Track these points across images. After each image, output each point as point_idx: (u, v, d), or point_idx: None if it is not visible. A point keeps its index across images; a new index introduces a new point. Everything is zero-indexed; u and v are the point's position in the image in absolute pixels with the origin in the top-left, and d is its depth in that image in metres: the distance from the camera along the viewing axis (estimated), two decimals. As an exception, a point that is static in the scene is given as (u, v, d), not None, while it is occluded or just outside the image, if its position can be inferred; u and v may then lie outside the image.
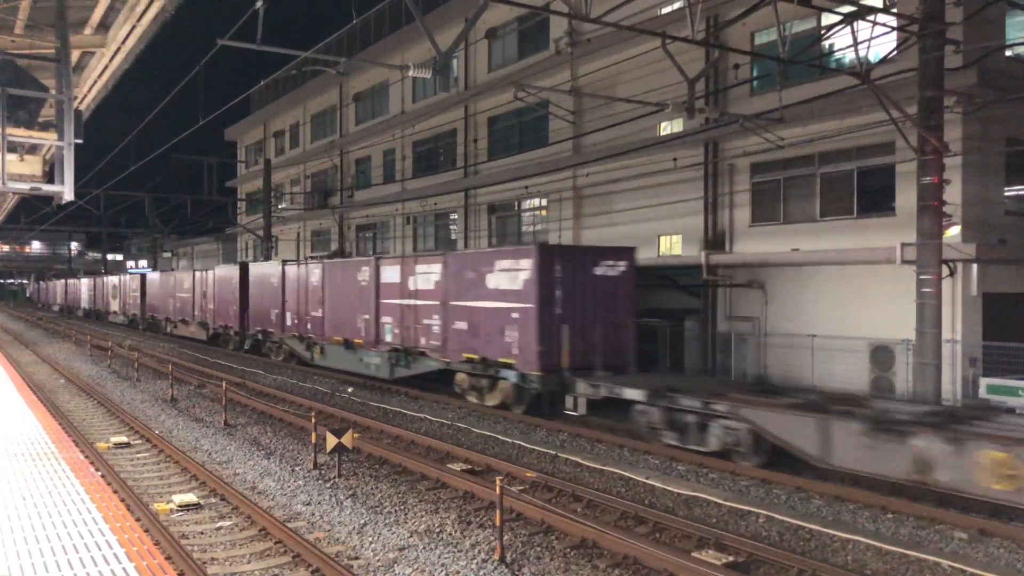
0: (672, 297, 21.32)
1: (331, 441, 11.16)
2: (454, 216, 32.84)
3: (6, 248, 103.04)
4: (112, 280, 52.61)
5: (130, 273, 46.97)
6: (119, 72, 10.89)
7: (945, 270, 14.33)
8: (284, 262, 26.94)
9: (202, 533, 9.19)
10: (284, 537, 8.67)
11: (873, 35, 13.89)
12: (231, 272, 31.58)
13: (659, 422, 13.38)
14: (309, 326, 24.87)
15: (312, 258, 28.85)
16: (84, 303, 61.69)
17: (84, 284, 62.42)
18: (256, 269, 29.55)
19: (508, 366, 16.61)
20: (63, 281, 74.06)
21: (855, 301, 17.65)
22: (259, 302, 28.79)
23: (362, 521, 9.53)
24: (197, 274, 35.81)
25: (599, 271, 16.91)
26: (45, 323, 53.74)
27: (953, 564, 8.07)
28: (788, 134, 17.58)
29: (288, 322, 26.39)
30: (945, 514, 9.54)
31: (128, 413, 16.70)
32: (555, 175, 25.48)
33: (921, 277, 13.76)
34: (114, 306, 51.30)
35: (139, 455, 13.22)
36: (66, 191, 7.98)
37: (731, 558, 8.09)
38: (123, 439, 14.03)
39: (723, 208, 21.14)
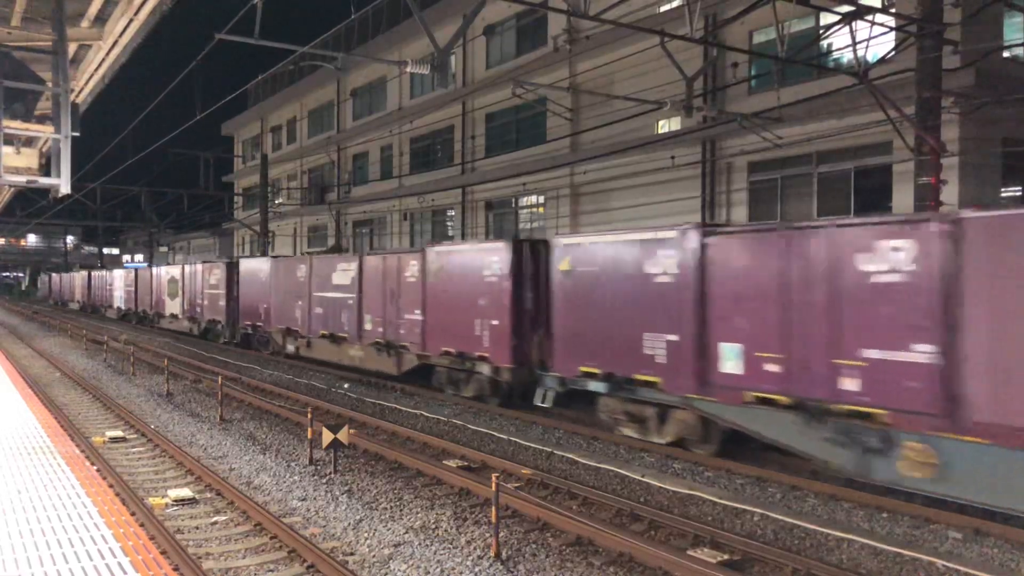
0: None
1: (327, 437, 11.15)
2: (451, 213, 32.84)
3: (1, 241, 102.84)
4: (169, 272, 37.81)
5: (206, 262, 33.96)
6: (116, 65, 10.86)
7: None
8: (706, 228, 12.10)
9: (197, 528, 9.18)
10: (279, 532, 8.67)
11: (871, 35, 13.91)
12: (488, 256, 16.51)
13: None
14: (855, 384, 10.00)
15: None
16: (119, 302, 48.32)
17: (118, 277, 49.18)
18: (576, 250, 14.26)
19: None
20: (84, 273, 61.10)
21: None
22: (590, 316, 13.86)
23: (358, 517, 9.52)
24: (371, 261, 20.75)
25: None
26: (40, 316, 53.57)
27: (947, 564, 8.09)
28: (786, 133, 17.60)
29: (736, 365, 11.53)
30: (940, 514, 9.56)
31: (124, 408, 16.67)
32: (552, 172, 25.47)
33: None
34: (172, 307, 37.10)
35: (134, 449, 13.20)
36: (62, 184, 7.96)
37: (726, 556, 8.10)
38: (119, 433, 14.00)
39: (720, 207, 21.16)
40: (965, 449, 8.98)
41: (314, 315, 23.52)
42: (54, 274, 78.27)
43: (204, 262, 34.16)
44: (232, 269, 29.93)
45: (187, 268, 34.88)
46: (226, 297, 30.06)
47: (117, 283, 49.08)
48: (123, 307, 47.43)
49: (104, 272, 54.42)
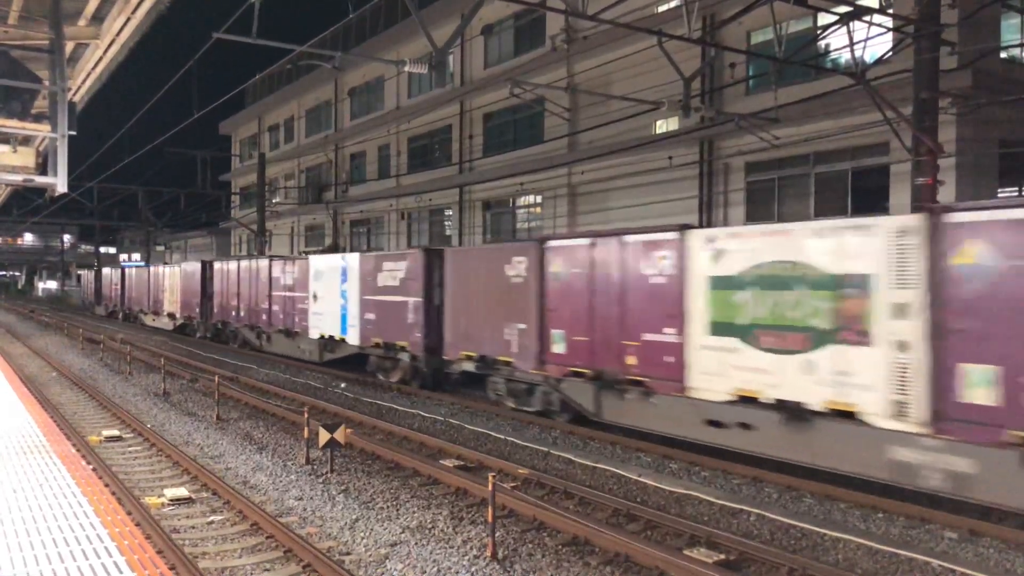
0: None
1: (324, 436, 11.15)
2: (448, 212, 32.82)
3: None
4: (563, 260, 14.31)
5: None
6: (113, 64, 10.84)
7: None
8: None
9: (193, 527, 9.18)
10: (276, 532, 8.66)
11: (869, 36, 13.93)
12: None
13: None
14: None
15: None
16: (320, 325, 23.03)
17: (299, 270, 24.43)
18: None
19: None
20: (181, 268, 34.78)
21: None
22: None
23: (354, 516, 9.52)
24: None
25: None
26: (38, 315, 53.33)
27: (943, 564, 8.11)
28: (783, 133, 17.61)
29: None
30: (935, 514, 9.58)
31: (120, 407, 16.65)
32: (550, 172, 25.47)
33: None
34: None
35: (131, 449, 13.18)
36: (59, 183, 7.95)
37: (722, 556, 8.11)
38: (115, 432, 13.98)
39: (718, 207, 21.17)
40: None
41: None
42: (106, 268, 53.14)
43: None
44: None
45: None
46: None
47: (296, 284, 24.60)
48: (332, 336, 22.59)
49: (249, 262, 28.39)
